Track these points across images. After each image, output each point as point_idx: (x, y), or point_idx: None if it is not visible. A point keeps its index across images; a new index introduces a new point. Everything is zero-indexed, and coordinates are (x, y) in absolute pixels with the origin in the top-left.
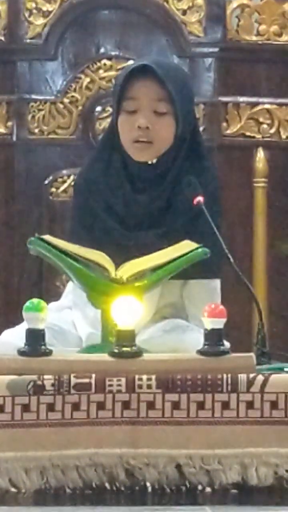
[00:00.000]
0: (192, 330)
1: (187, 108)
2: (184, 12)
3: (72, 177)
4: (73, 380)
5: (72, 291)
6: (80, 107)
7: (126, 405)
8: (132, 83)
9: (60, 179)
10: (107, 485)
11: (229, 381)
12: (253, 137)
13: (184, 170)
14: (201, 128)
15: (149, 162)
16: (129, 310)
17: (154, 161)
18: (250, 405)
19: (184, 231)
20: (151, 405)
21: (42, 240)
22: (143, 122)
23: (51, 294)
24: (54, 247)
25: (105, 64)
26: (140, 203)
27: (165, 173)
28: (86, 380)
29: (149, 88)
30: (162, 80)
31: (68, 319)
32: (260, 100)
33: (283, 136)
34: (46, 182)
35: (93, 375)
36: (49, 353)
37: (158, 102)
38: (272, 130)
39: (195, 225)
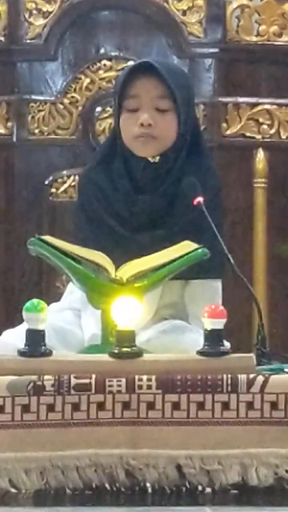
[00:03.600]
0: (190, 330)
1: (188, 105)
2: (184, 13)
3: (72, 178)
4: (73, 381)
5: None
6: (80, 108)
7: (126, 405)
8: (133, 81)
9: (60, 180)
10: (107, 485)
11: (229, 382)
12: (253, 137)
13: (186, 169)
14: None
15: (152, 160)
16: (129, 311)
17: (157, 159)
18: (250, 405)
19: (185, 232)
20: (151, 406)
21: (42, 240)
22: (145, 119)
23: (51, 294)
24: (54, 247)
25: (105, 65)
26: (142, 204)
27: (167, 172)
28: (86, 381)
29: (150, 85)
30: (163, 77)
31: (68, 319)
32: (260, 100)
33: (283, 137)
34: (46, 182)
35: (93, 376)
36: (49, 353)
37: (159, 99)
38: (272, 131)
39: (196, 226)
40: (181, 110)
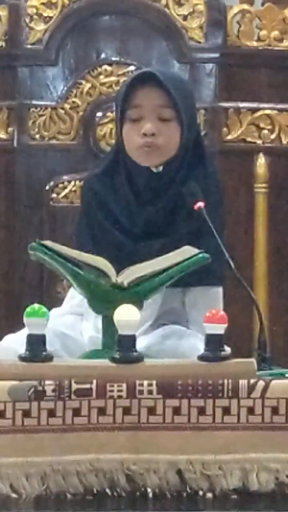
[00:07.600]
0: (189, 335)
1: (190, 114)
2: (185, 18)
3: (73, 183)
4: (74, 386)
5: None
6: (80, 113)
7: (127, 410)
8: (135, 91)
9: (61, 185)
10: (108, 490)
11: (230, 387)
12: (254, 142)
13: (188, 178)
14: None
15: (155, 170)
16: (130, 316)
17: (160, 169)
18: (250, 410)
19: (188, 240)
20: (152, 411)
21: (43, 245)
22: (149, 129)
23: (52, 299)
24: (55, 252)
25: (106, 70)
26: (144, 214)
27: (170, 182)
28: (87, 386)
29: (152, 95)
30: (165, 86)
31: (69, 324)
32: (261, 105)
33: (284, 142)
34: (47, 187)
35: (94, 381)
36: (50, 358)
37: (162, 109)
38: (273, 136)
39: (197, 233)
40: (184, 119)
